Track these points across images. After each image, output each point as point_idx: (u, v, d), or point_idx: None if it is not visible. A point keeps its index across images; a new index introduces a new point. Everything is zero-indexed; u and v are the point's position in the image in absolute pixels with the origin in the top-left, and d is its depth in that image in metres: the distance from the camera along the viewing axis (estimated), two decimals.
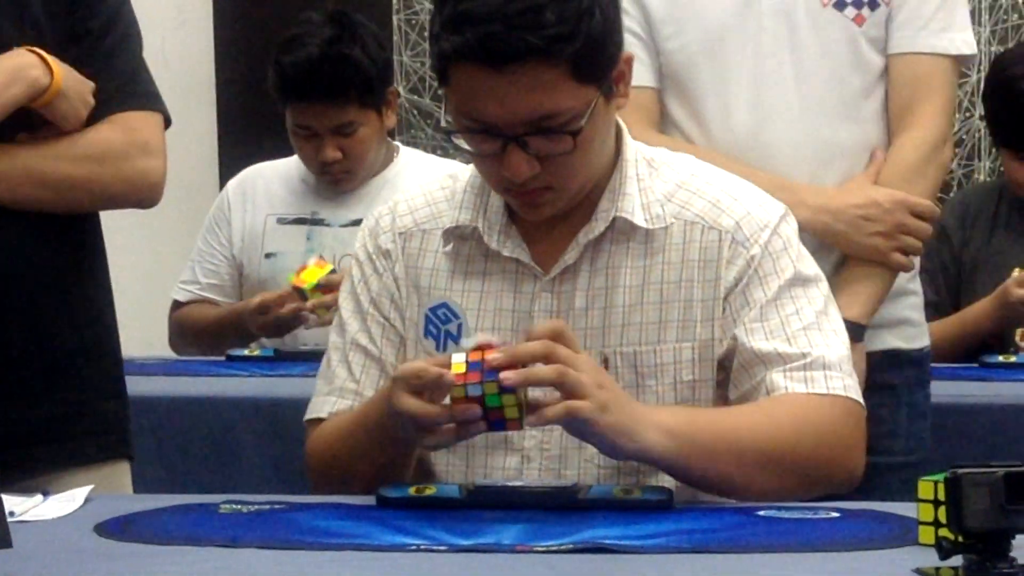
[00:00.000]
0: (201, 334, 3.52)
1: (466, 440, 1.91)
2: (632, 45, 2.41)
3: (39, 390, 2.20)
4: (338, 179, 3.45)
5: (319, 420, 2.08)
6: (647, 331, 2.00)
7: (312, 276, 3.28)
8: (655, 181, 2.04)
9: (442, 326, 2.04)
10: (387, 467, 1.96)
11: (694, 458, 1.88)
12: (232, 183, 3.61)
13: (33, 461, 2.19)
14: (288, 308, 3.29)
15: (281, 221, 3.51)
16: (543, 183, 1.96)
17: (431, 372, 1.83)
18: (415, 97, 4.96)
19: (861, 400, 1.98)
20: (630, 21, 2.44)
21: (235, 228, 3.53)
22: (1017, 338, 3.32)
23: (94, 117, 2.21)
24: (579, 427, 1.84)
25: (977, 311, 3.41)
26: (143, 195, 2.26)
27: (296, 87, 3.35)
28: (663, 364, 1.98)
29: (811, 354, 1.95)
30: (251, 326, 3.38)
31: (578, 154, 1.94)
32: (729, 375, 1.99)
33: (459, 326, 2.03)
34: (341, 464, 2.02)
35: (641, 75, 2.43)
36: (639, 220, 2.01)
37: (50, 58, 2.16)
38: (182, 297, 3.58)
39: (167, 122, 2.29)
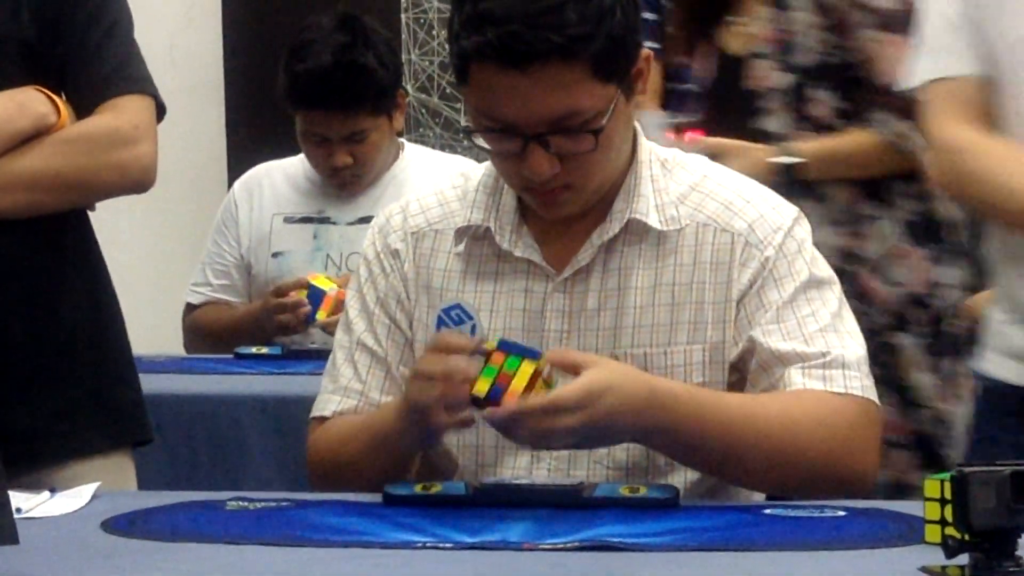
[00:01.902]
0: (217, 337, 3.52)
1: (472, 426, 1.92)
2: (955, 31, 2.26)
3: (39, 385, 2.21)
4: (347, 183, 3.45)
5: (323, 418, 2.09)
6: (658, 333, 1.99)
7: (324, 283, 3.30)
8: (669, 182, 2.04)
9: (455, 327, 2.04)
10: (388, 477, 1.95)
11: (694, 454, 1.90)
12: (238, 183, 3.61)
13: (36, 455, 2.19)
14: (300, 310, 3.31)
15: (288, 220, 3.51)
16: (563, 182, 1.96)
17: (439, 366, 1.85)
18: (423, 96, 4.97)
19: (878, 401, 1.97)
20: (951, 5, 2.27)
21: (242, 228, 3.53)
22: None
23: (87, 106, 2.21)
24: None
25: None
26: (136, 181, 2.23)
27: (308, 96, 3.34)
28: (673, 366, 1.98)
29: (830, 353, 1.95)
30: (266, 317, 3.37)
31: (599, 153, 1.94)
32: (744, 377, 1.99)
33: (473, 327, 2.03)
34: (341, 467, 2.03)
35: (963, 62, 2.26)
36: (654, 222, 2.01)
37: (58, 99, 2.17)
38: (195, 300, 3.58)
39: (160, 106, 2.27)
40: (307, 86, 3.33)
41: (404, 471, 1.99)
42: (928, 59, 2.33)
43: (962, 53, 2.27)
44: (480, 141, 1.96)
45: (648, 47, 3.71)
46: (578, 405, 1.82)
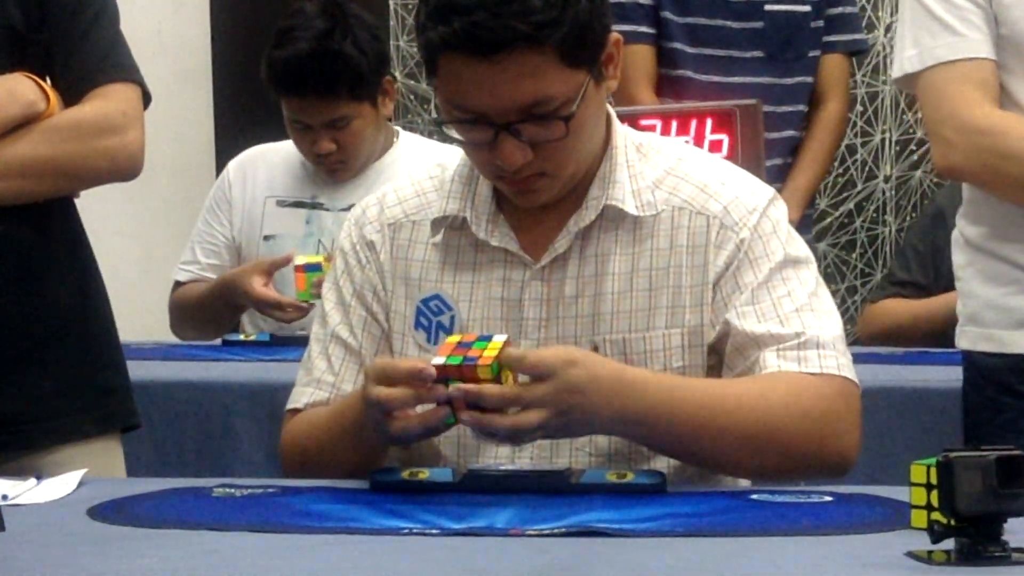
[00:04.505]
0: (192, 310, 3.51)
1: (443, 433, 1.91)
2: (968, 12, 2.28)
3: (26, 370, 2.21)
4: (334, 169, 3.45)
5: (296, 410, 2.08)
6: (636, 318, 1.99)
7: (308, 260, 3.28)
8: (644, 167, 2.04)
9: (434, 318, 2.04)
10: (357, 467, 1.95)
11: (668, 440, 1.89)
12: (233, 164, 3.61)
13: (24, 439, 2.20)
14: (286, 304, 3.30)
15: (280, 204, 3.51)
16: (536, 169, 1.95)
17: (401, 368, 1.83)
18: (412, 82, 4.96)
19: (856, 379, 1.97)
20: None
21: (235, 209, 3.53)
22: None
23: (74, 93, 2.21)
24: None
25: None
26: (125, 168, 2.25)
27: (286, 83, 3.34)
28: (652, 351, 1.98)
29: (804, 334, 1.95)
30: (242, 295, 3.36)
31: (571, 139, 1.93)
32: (722, 359, 1.99)
33: (452, 318, 2.03)
34: (311, 459, 2.03)
35: (978, 46, 2.28)
36: (630, 208, 2.00)
37: (46, 85, 2.17)
38: (183, 277, 3.57)
39: (146, 94, 2.28)
40: (283, 73, 3.33)
41: (373, 461, 1.98)
42: (939, 41, 2.31)
43: (981, 36, 2.27)
44: (452, 132, 1.96)
45: (643, 32, 3.74)
46: (545, 371, 1.81)
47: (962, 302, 2.43)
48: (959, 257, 2.43)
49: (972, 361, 2.43)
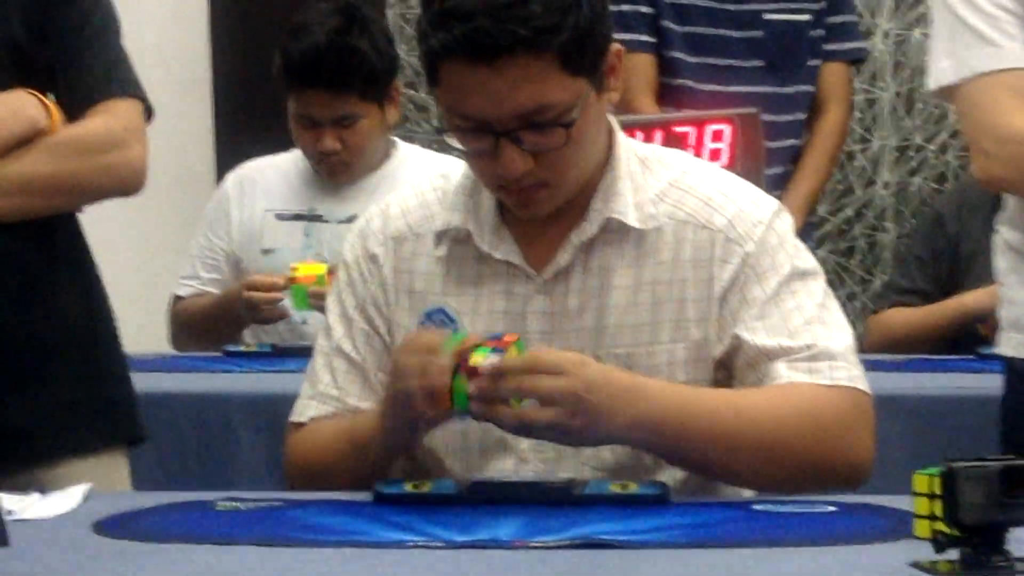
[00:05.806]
0: (195, 324, 3.52)
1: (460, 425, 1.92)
2: (1002, 21, 2.24)
3: (32, 384, 2.21)
4: (335, 170, 3.45)
5: (300, 424, 2.09)
6: (640, 332, 1.99)
7: (308, 270, 3.29)
8: (648, 179, 2.03)
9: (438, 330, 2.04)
10: (364, 479, 1.94)
11: (679, 448, 1.89)
12: (231, 177, 3.61)
13: (30, 453, 2.20)
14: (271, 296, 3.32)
15: (279, 217, 3.51)
16: (537, 179, 1.96)
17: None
18: (411, 91, 4.96)
19: (868, 390, 1.97)
20: None
21: (234, 223, 3.53)
22: None
23: (76, 109, 2.21)
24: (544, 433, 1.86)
25: (979, 297, 3.38)
26: (128, 184, 2.25)
27: (300, 75, 3.36)
28: (656, 365, 1.98)
29: (816, 346, 1.94)
30: (239, 307, 3.37)
31: (571, 148, 1.93)
32: (732, 374, 1.98)
33: (456, 330, 2.03)
34: (317, 474, 2.03)
35: (1015, 55, 2.23)
36: (632, 220, 2.00)
37: (48, 101, 2.17)
38: (183, 292, 3.58)
39: (148, 110, 2.28)
40: (299, 65, 3.34)
41: (383, 475, 1.98)
42: (974, 52, 2.27)
43: (1017, 45, 2.24)
44: (454, 141, 1.97)
45: (644, 41, 3.75)
46: (558, 367, 1.81)
47: (1005, 308, 2.41)
48: (1001, 262, 2.41)
49: (1014, 368, 2.41)
